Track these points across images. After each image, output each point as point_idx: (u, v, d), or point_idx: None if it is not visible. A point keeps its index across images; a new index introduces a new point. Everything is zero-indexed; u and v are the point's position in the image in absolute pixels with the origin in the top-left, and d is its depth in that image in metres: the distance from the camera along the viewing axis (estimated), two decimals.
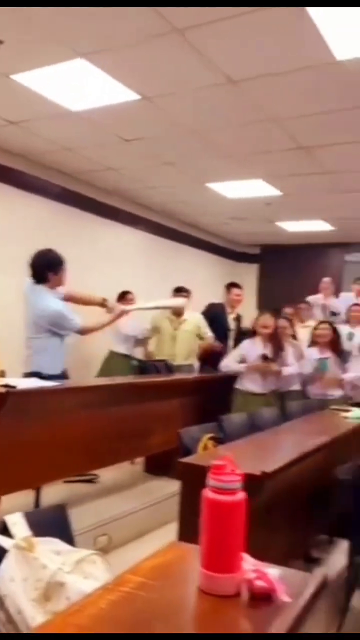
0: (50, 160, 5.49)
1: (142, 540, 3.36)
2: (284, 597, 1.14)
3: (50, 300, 3.72)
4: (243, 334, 5.35)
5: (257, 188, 5.93)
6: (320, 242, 8.49)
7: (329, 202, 6.46)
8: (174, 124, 4.32)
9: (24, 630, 1.21)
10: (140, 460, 4.77)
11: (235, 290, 5.84)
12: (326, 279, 6.84)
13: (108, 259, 6.46)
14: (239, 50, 3.16)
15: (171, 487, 3.70)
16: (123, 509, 3.59)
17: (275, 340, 4.66)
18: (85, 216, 6.24)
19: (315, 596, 1.24)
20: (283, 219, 7.43)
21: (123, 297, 5.91)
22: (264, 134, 4.41)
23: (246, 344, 4.71)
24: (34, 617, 1.23)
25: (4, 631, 1.24)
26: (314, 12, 2.72)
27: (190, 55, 3.22)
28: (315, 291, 6.85)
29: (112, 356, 5.91)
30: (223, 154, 4.95)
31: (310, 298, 6.76)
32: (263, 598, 1.13)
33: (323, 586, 1.30)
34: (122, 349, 5.91)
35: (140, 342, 6.07)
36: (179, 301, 5.23)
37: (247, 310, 6.63)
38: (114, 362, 5.85)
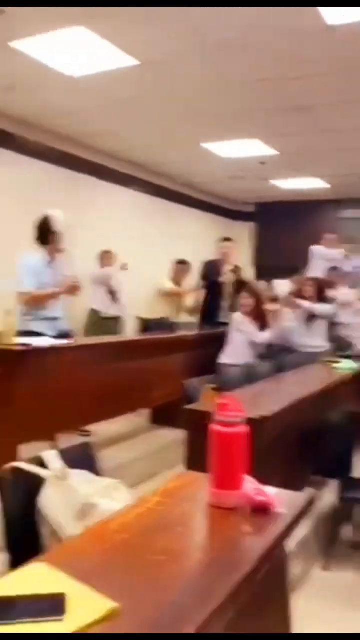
0: (49, 124, 5.57)
1: (152, 482, 3.66)
2: (279, 509, 1.39)
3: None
4: (242, 284, 5.49)
5: (253, 148, 6.02)
6: (313, 199, 8.60)
7: (325, 160, 6.56)
8: (170, 87, 4.41)
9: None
10: (145, 412, 5.05)
11: (225, 244, 5.97)
12: (331, 235, 6.81)
13: (104, 219, 6.61)
14: (231, 17, 3.26)
15: (175, 435, 3.98)
16: (132, 455, 3.89)
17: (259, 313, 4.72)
18: (82, 178, 6.35)
19: (305, 509, 1.50)
20: (277, 177, 7.53)
21: (104, 256, 6.16)
22: (261, 95, 4.51)
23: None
24: (72, 532, 1.49)
25: (48, 543, 1.50)
26: None
27: (181, 23, 3.31)
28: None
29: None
30: (220, 114, 5.04)
31: (315, 249, 6.66)
32: (262, 510, 1.39)
33: (312, 502, 1.56)
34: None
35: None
36: None
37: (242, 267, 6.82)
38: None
